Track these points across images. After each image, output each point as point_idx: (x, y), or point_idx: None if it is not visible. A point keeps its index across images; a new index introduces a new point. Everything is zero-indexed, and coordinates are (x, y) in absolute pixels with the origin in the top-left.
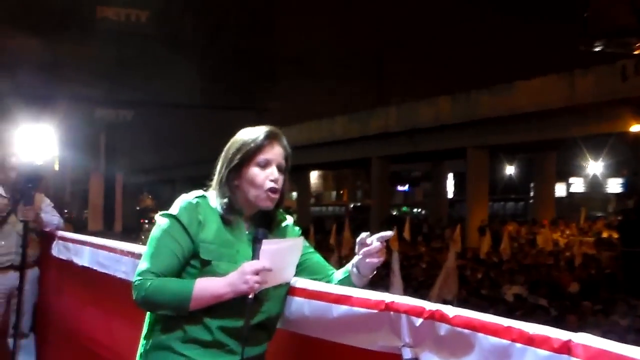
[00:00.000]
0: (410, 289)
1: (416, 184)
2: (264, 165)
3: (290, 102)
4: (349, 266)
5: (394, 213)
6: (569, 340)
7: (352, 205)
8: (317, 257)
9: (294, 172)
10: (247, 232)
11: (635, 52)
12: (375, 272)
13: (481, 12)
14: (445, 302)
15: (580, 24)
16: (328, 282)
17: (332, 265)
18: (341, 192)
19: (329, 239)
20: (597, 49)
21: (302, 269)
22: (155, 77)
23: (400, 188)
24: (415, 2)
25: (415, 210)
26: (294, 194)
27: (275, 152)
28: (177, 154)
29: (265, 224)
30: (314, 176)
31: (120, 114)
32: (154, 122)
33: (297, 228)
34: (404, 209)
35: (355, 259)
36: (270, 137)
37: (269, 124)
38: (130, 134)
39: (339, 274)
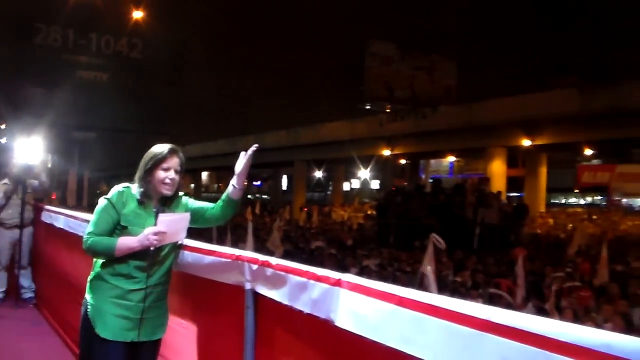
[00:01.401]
0: (259, 244)
1: (265, 181)
2: (166, 169)
3: (191, 128)
4: (228, 188)
5: (251, 197)
6: (340, 279)
7: None
8: (197, 205)
9: (192, 172)
10: (154, 209)
11: (387, 110)
12: (245, 183)
13: (308, 76)
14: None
15: (358, 93)
16: (210, 214)
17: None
18: (220, 185)
19: None
20: (367, 107)
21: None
22: (108, 112)
23: (255, 183)
24: (271, 70)
25: (264, 196)
26: (192, 185)
27: (174, 161)
28: (121, 159)
29: (165, 204)
30: (204, 175)
31: (88, 134)
32: (109, 139)
33: (190, 201)
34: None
35: (232, 178)
36: (171, 152)
37: (175, 143)
38: (94, 146)
39: (221, 198)
